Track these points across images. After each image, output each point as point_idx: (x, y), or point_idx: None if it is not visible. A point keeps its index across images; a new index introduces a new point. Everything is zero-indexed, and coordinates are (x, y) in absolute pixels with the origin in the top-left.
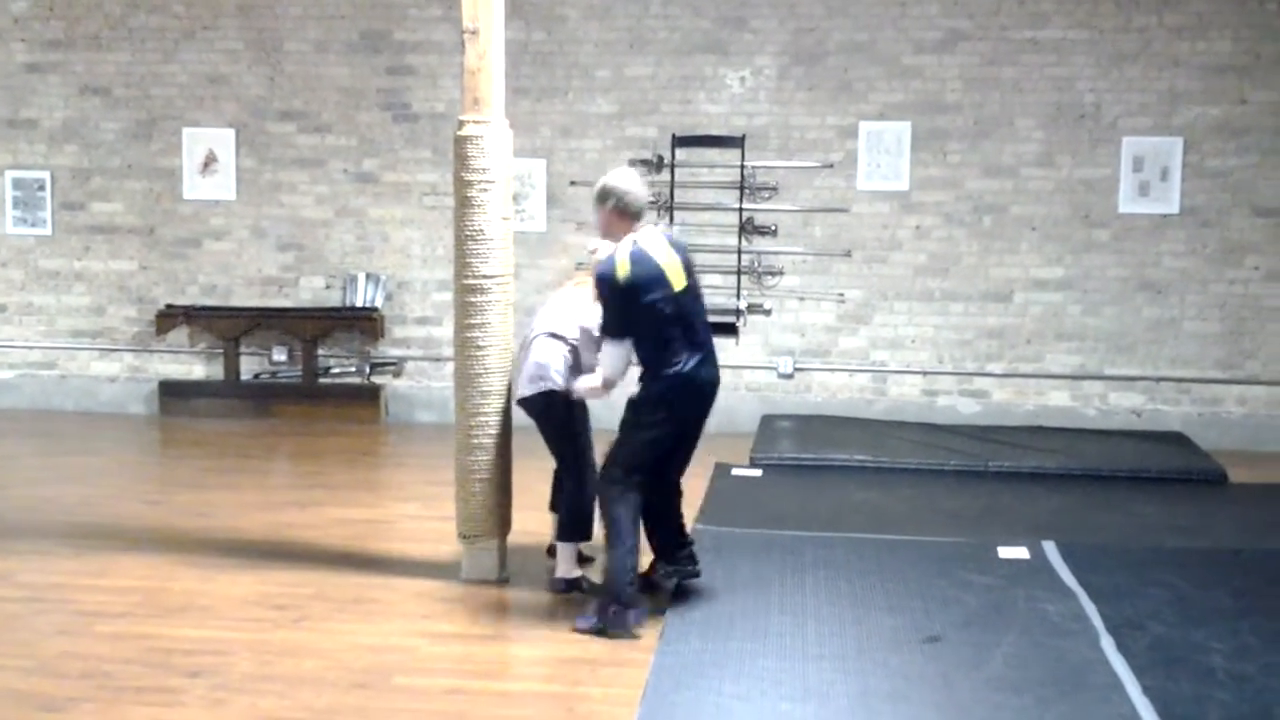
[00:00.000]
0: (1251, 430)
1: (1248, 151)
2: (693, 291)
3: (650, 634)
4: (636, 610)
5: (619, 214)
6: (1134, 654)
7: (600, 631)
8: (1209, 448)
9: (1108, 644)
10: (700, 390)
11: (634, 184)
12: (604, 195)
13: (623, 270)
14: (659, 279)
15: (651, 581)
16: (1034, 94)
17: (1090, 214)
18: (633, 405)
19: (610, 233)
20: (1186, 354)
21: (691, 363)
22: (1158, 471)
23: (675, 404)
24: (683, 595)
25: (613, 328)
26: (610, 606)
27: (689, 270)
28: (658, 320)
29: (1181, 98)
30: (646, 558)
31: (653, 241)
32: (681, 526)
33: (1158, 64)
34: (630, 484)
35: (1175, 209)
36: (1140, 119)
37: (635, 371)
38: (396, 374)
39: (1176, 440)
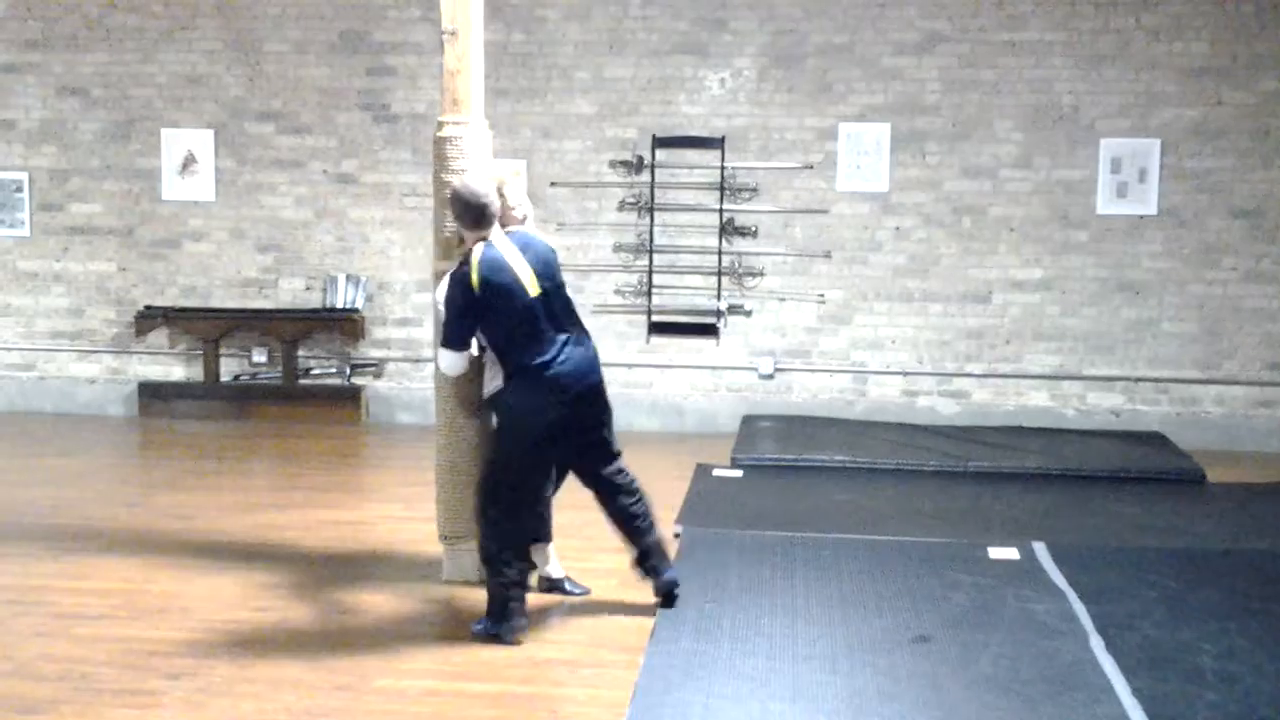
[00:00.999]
0: (1229, 430)
1: (1224, 153)
2: (551, 295)
3: (637, 636)
4: (508, 625)
5: (475, 223)
6: (1123, 654)
7: (494, 636)
8: (1187, 448)
9: (1097, 644)
10: (563, 391)
11: (489, 192)
12: (461, 210)
13: (477, 277)
14: (512, 286)
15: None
16: (1012, 96)
17: (1069, 215)
18: (497, 418)
19: (467, 238)
20: (1165, 354)
21: (550, 368)
22: (1137, 471)
23: (531, 412)
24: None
25: (454, 340)
26: (488, 621)
27: (547, 271)
28: (510, 329)
29: (1159, 99)
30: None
31: (505, 246)
32: (635, 525)
33: (1135, 66)
34: (497, 508)
35: (1153, 210)
36: (1118, 120)
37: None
38: (377, 375)
39: (1155, 440)
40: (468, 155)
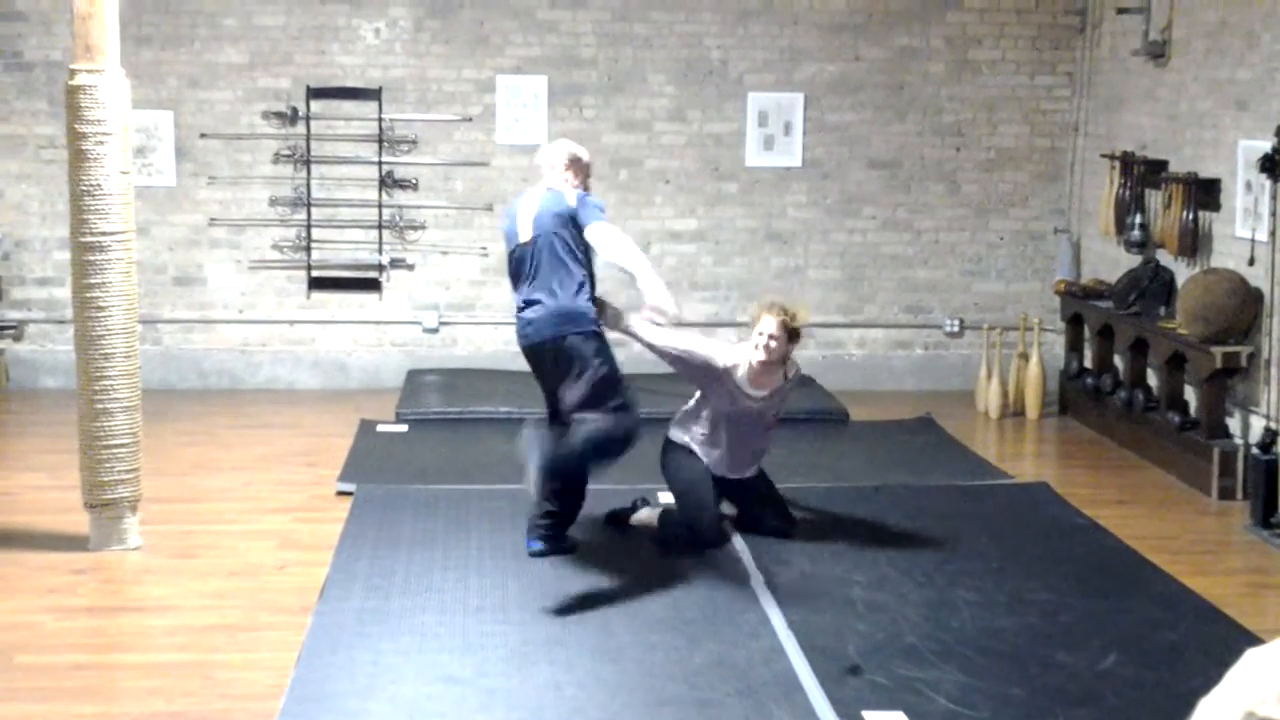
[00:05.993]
0: (869, 370)
1: (863, 107)
2: (538, 245)
3: (301, 598)
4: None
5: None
6: (781, 590)
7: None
8: (832, 389)
9: (757, 582)
10: (521, 337)
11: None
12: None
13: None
14: (510, 229)
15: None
16: (664, 50)
17: (720, 167)
18: None
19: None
20: (811, 300)
21: (520, 312)
22: (786, 413)
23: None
24: (346, 554)
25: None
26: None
27: (540, 223)
28: (511, 265)
29: (801, 55)
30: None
31: (530, 194)
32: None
33: (779, 21)
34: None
35: (798, 162)
36: (764, 75)
37: None
38: (17, 338)
39: (802, 383)
40: (104, 105)
